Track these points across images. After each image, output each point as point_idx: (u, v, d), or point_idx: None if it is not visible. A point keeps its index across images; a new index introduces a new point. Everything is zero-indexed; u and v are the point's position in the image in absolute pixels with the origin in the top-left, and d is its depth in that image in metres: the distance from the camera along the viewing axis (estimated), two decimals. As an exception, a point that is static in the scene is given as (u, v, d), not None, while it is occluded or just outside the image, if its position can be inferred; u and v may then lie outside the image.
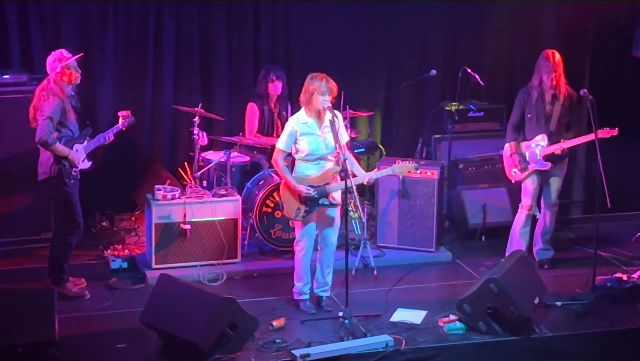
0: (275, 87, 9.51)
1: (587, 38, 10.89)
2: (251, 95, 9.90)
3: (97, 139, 8.20)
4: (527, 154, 8.81)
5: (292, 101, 9.46)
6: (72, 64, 7.98)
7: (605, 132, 8.44)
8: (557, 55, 8.66)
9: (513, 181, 9.03)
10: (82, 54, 8.18)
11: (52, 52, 8.04)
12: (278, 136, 8.14)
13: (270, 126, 9.59)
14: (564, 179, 9.01)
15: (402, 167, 8.06)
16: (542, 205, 8.96)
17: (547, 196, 8.93)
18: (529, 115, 8.82)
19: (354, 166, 7.88)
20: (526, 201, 8.88)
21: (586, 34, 10.88)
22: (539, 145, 8.75)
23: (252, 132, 9.54)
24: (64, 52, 8.02)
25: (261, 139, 9.49)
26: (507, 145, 8.96)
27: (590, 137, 8.49)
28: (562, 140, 8.70)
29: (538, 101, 8.76)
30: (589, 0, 10.64)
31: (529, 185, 8.86)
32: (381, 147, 10.10)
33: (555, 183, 8.89)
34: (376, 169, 8.28)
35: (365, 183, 7.83)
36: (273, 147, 8.14)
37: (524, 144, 8.85)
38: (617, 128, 8.46)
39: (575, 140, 8.69)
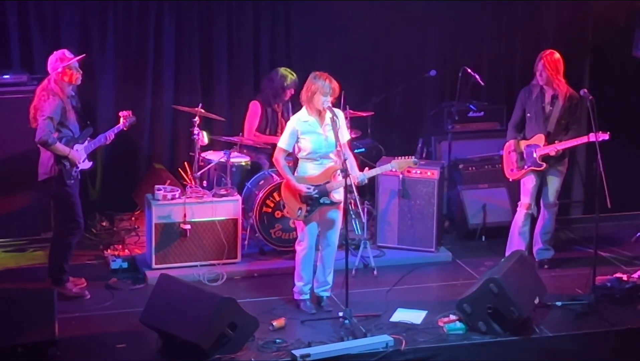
0: (290, 94, 9.48)
1: (587, 38, 10.89)
2: (251, 94, 9.92)
3: (97, 139, 8.21)
4: (524, 153, 8.82)
5: (292, 101, 9.45)
6: (74, 65, 7.98)
7: (596, 136, 8.41)
8: (554, 55, 8.63)
9: (511, 180, 9.04)
10: (84, 55, 8.18)
11: (54, 52, 8.04)
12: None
13: (273, 126, 9.57)
14: (564, 179, 9.00)
15: (402, 163, 8.05)
16: (541, 205, 8.96)
17: (545, 196, 8.92)
18: (528, 114, 8.82)
19: (351, 166, 7.86)
20: (525, 199, 8.88)
21: (586, 34, 10.89)
22: (536, 145, 8.75)
23: (251, 130, 9.53)
24: (66, 52, 8.01)
25: (260, 138, 9.48)
26: (506, 143, 8.97)
27: (584, 139, 8.49)
28: (556, 141, 8.69)
29: (537, 99, 8.75)
30: (589, 0, 10.65)
31: (528, 184, 8.86)
32: (381, 147, 10.09)
33: (553, 184, 8.87)
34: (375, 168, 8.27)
35: (355, 183, 7.72)
36: (274, 146, 8.13)
37: (523, 143, 8.85)
38: (608, 133, 8.43)
39: (570, 142, 8.67)
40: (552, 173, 8.86)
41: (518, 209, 8.95)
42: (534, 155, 8.75)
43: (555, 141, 8.70)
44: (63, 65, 7.92)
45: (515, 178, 8.95)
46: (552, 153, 8.69)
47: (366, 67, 10.61)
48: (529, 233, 8.99)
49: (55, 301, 7.27)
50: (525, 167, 8.81)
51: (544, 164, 8.75)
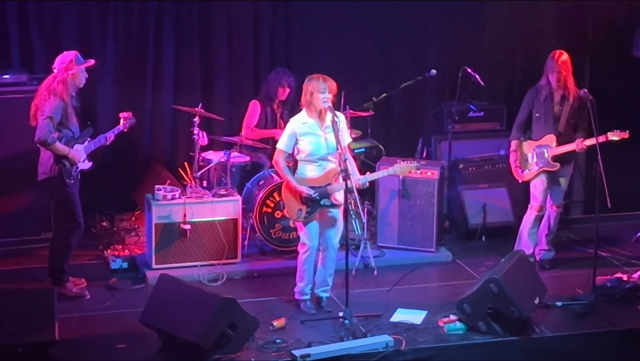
0: (284, 93, 9.50)
1: (587, 38, 10.89)
2: (251, 94, 9.93)
3: (97, 139, 8.21)
4: (531, 154, 8.79)
5: (294, 103, 9.47)
6: (84, 69, 8.00)
7: (615, 135, 8.43)
8: (564, 56, 8.63)
9: (520, 181, 9.00)
10: (94, 62, 8.17)
11: (66, 52, 8.01)
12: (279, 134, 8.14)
13: (272, 126, 9.58)
14: (570, 179, 9.02)
15: (403, 168, 8.05)
16: (548, 205, 8.95)
17: (555, 196, 8.91)
18: (537, 114, 8.80)
19: (352, 169, 7.86)
20: (536, 202, 8.87)
21: (586, 34, 10.88)
22: (547, 145, 8.73)
23: (250, 127, 9.54)
24: (79, 55, 8.01)
25: (258, 133, 9.48)
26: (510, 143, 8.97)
27: (602, 138, 8.46)
28: (580, 138, 8.63)
29: (547, 100, 8.74)
30: (589, 0, 10.64)
31: (539, 186, 8.84)
32: (381, 147, 10.09)
33: (563, 184, 8.89)
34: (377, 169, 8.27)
35: (357, 186, 7.68)
36: (274, 146, 8.13)
37: (528, 144, 8.83)
38: (627, 131, 8.45)
39: (592, 140, 8.65)
40: (562, 174, 8.86)
41: (529, 211, 8.94)
42: (546, 155, 8.74)
43: (577, 140, 8.66)
44: (79, 67, 7.92)
45: (525, 179, 8.92)
46: (578, 150, 8.66)
47: (366, 67, 10.61)
48: (537, 233, 9.00)
49: (55, 301, 7.27)
50: (537, 168, 8.79)
51: (557, 165, 8.74)
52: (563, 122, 8.72)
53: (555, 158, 8.74)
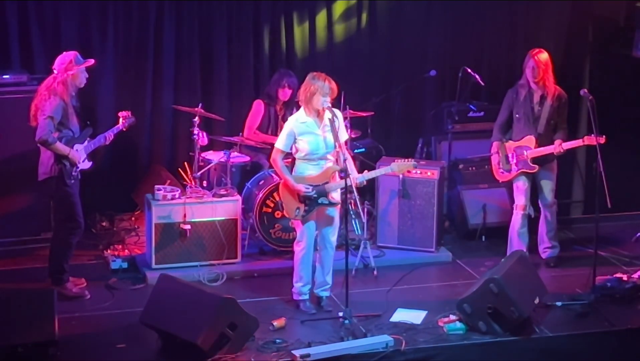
0: (285, 94, 9.50)
1: (587, 38, 10.89)
2: (251, 94, 9.93)
3: (97, 139, 8.21)
4: (511, 155, 8.81)
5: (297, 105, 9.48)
6: (84, 68, 8.00)
7: (592, 140, 8.40)
8: (544, 54, 8.64)
9: (500, 181, 9.04)
10: (94, 61, 8.17)
11: (66, 53, 8.02)
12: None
13: (274, 127, 9.59)
14: (557, 179, 8.99)
15: (401, 166, 8.06)
16: (540, 206, 8.95)
17: (542, 198, 8.91)
18: (517, 115, 8.80)
19: (350, 167, 7.86)
20: (520, 201, 8.87)
21: (586, 34, 10.88)
22: (527, 147, 8.73)
23: (252, 128, 9.55)
24: (79, 55, 8.01)
25: (260, 137, 9.49)
26: (492, 145, 8.98)
27: (578, 142, 8.55)
28: (559, 140, 8.64)
29: (526, 100, 8.74)
30: (589, 0, 10.64)
31: (520, 185, 8.84)
32: (381, 147, 10.10)
33: (547, 185, 8.87)
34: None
35: (354, 185, 7.69)
36: (273, 146, 8.14)
37: (509, 145, 8.84)
38: (604, 136, 8.42)
39: (573, 143, 8.66)
40: (544, 176, 8.85)
41: (514, 211, 8.93)
42: (525, 157, 8.73)
43: (556, 140, 8.66)
44: (78, 67, 7.92)
45: (505, 180, 8.95)
46: (556, 152, 8.67)
47: (366, 67, 10.61)
48: (528, 233, 8.99)
49: (55, 301, 7.27)
50: (516, 169, 8.80)
51: (536, 166, 8.74)
52: (543, 123, 8.71)
53: (535, 160, 8.73)
